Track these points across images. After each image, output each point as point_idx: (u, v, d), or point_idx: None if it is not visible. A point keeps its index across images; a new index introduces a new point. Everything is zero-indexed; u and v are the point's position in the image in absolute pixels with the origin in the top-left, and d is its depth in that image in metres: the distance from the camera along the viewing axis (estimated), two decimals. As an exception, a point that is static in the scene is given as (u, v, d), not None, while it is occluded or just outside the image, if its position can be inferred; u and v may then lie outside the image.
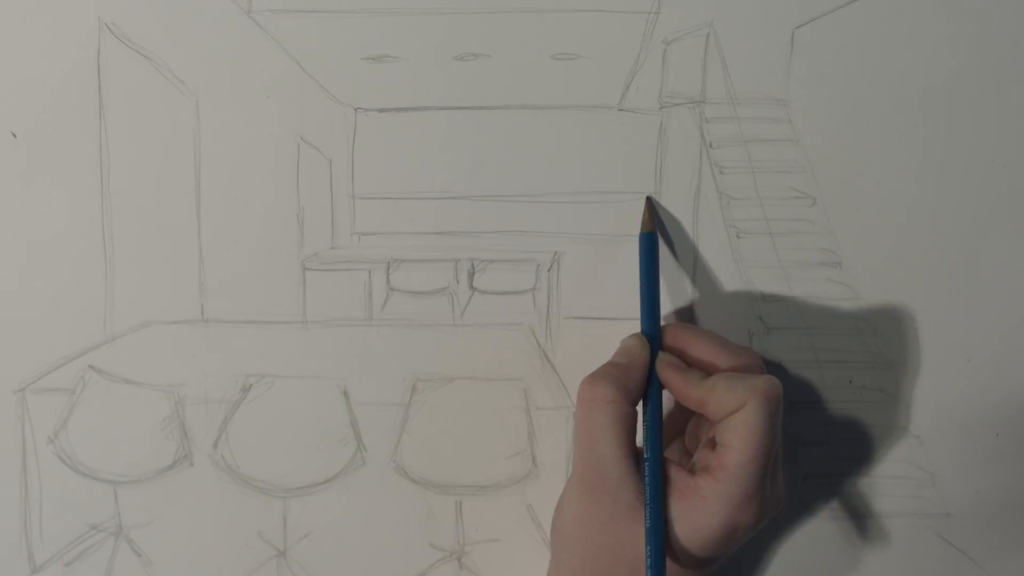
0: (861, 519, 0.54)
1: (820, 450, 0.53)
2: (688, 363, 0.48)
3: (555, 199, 0.52)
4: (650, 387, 0.48)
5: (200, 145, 0.51)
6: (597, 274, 0.52)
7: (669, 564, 0.44)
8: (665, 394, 0.48)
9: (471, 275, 0.53)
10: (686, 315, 0.53)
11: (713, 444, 0.46)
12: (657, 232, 0.51)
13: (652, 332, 0.49)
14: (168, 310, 0.52)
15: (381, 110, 0.51)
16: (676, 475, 0.45)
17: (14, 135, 0.51)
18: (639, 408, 0.47)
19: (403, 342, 0.53)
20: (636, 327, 0.50)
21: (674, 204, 0.52)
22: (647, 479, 0.45)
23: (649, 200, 0.52)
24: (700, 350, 0.48)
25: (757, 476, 0.43)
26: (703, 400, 0.45)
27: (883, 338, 0.53)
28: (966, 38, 0.51)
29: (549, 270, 0.53)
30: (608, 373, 0.47)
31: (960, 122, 0.52)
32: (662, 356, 0.48)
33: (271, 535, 0.53)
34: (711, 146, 0.52)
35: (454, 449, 0.53)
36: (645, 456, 0.46)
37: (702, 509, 0.44)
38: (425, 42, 0.51)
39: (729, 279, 0.53)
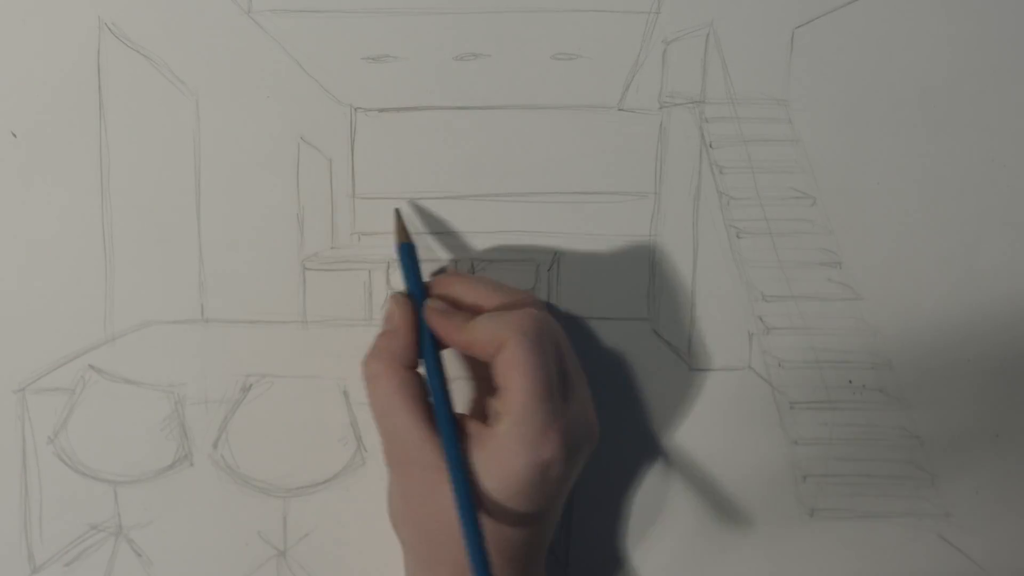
0: (861, 519, 0.54)
1: (820, 450, 0.53)
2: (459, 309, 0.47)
3: (555, 199, 0.52)
4: (423, 342, 0.46)
5: (200, 145, 0.51)
6: (597, 274, 0.52)
7: (491, 523, 0.43)
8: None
9: (471, 275, 0.53)
10: (686, 315, 0.53)
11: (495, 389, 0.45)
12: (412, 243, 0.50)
13: (415, 289, 0.48)
14: (168, 310, 0.52)
15: (381, 110, 0.51)
16: (472, 428, 0.44)
17: (14, 135, 0.51)
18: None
19: (403, 342, 0.53)
20: (636, 327, 0.51)
21: (674, 204, 0.52)
22: (442, 436, 0.44)
23: (397, 212, 0.51)
24: (469, 294, 0.47)
25: (542, 409, 0.42)
26: (469, 342, 0.44)
27: (883, 338, 0.53)
28: (966, 38, 0.51)
29: (549, 270, 0.53)
30: (375, 348, 0.46)
31: (960, 122, 0.52)
32: (428, 303, 0.47)
33: (271, 535, 0.53)
34: (711, 146, 0.52)
35: (454, 449, 0.53)
36: (436, 414, 0.45)
37: (503, 454, 0.43)
38: (425, 42, 0.51)
39: (729, 279, 0.53)
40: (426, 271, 0.52)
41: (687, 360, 0.53)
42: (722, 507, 0.54)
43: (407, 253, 0.49)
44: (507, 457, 0.43)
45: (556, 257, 0.53)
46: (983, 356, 0.53)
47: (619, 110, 0.52)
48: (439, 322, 0.46)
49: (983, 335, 0.53)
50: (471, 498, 0.42)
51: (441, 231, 0.52)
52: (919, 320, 0.53)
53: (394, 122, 0.51)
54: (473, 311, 0.46)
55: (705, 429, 0.53)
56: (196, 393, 0.53)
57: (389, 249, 0.52)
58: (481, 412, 0.49)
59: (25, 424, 0.52)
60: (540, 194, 0.52)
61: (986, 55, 0.51)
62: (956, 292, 0.52)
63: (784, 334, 0.53)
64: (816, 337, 0.53)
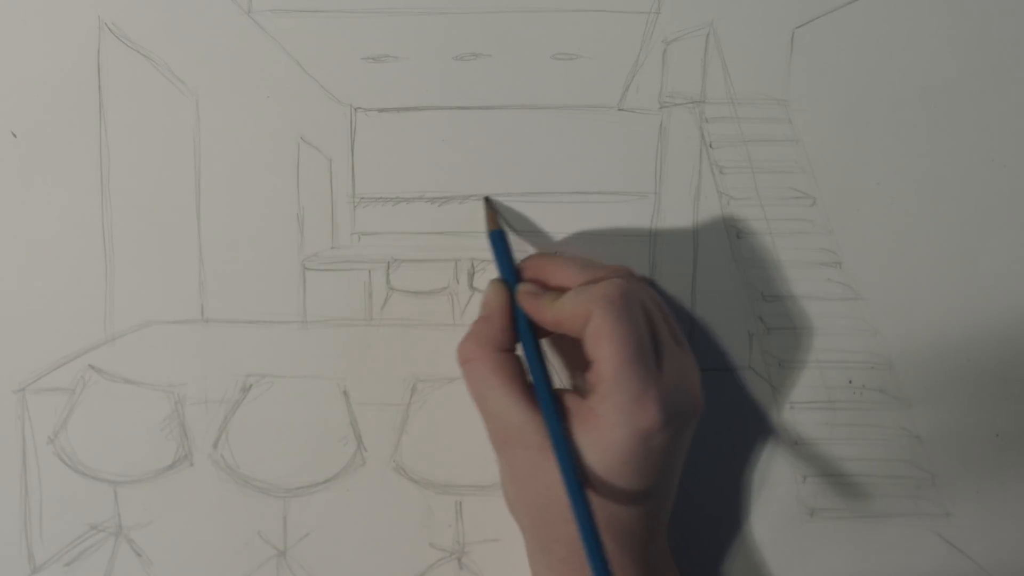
0: (861, 519, 0.54)
1: (820, 450, 0.53)
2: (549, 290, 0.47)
3: (555, 199, 0.52)
4: (519, 324, 0.47)
5: (200, 145, 0.51)
6: (597, 274, 0.52)
7: (599, 500, 0.43)
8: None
9: (471, 275, 0.53)
10: (686, 315, 0.53)
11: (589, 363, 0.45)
12: (504, 230, 0.50)
13: (507, 274, 0.48)
14: (168, 310, 0.52)
15: (381, 110, 0.51)
16: (571, 402, 0.44)
17: (14, 135, 0.51)
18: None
19: (403, 342, 0.53)
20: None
21: (674, 204, 0.52)
22: (543, 412, 0.44)
23: (487, 200, 0.51)
24: (558, 274, 0.47)
25: (636, 376, 0.42)
26: (558, 319, 0.44)
27: (883, 338, 0.53)
28: (966, 38, 0.51)
29: (549, 270, 0.53)
30: (471, 332, 0.47)
31: (960, 122, 0.52)
32: (520, 287, 0.47)
33: (271, 535, 0.53)
34: (711, 146, 0.52)
35: (454, 449, 0.53)
36: (536, 390, 0.45)
37: (602, 427, 0.42)
38: (425, 42, 0.51)
39: (729, 279, 0.53)
40: (431, 270, 0.52)
41: (687, 360, 0.53)
42: (722, 507, 0.54)
43: (499, 239, 0.50)
44: (606, 429, 0.42)
45: (556, 257, 0.52)
46: (983, 356, 0.53)
47: (619, 110, 0.52)
48: (530, 303, 0.46)
49: (983, 335, 0.53)
50: (577, 474, 0.42)
51: (441, 231, 0.52)
52: (919, 320, 0.53)
53: (394, 122, 0.51)
54: (563, 290, 0.46)
55: (705, 429, 0.53)
56: (196, 393, 0.53)
57: (389, 249, 0.52)
58: (581, 392, 0.48)
59: (25, 424, 0.52)
60: (540, 194, 0.52)
61: (986, 55, 0.51)
62: (956, 292, 0.52)
63: (784, 334, 0.53)
64: (816, 337, 0.53)
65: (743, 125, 0.51)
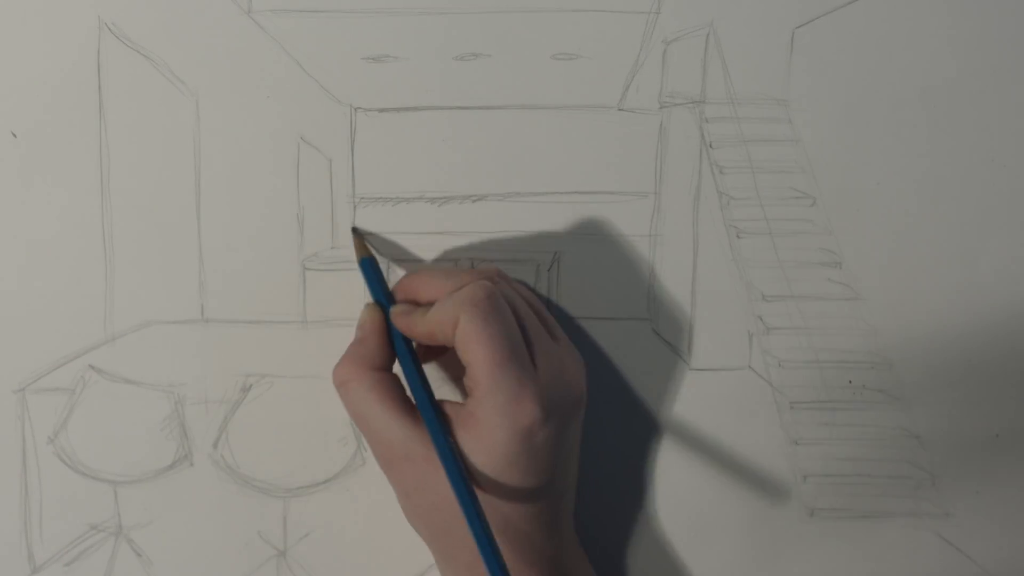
0: (861, 519, 0.54)
1: (820, 450, 0.53)
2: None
3: (555, 199, 0.52)
4: (395, 342, 0.47)
5: (200, 145, 0.51)
6: (597, 274, 0.52)
7: (491, 502, 0.43)
8: None
9: (471, 275, 0.53)
10: (686, 315, 0.53)
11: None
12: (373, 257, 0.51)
13: (380, 298, 0.49)
14: (168, 310, 0.52)
15: (381, 110, 0.51)
16: (452, 410, 0.44)
17: (14, 135, 0.51)
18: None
19: (403, 342, 0.53)
20: (636, 327, 0.51)
21: (674, 204, 0.52)
22: (425, 422, 0.44)
23: (355, 230, 0.52)
24: (426, 289, 0.47)
25: (510, 375, 0.42)
26: (429, 331, 0.44)
27: (883, 338, 0.53)
28: (966, 38, 0.51)
29: (549, 270, 0.53)
30: (345, 355, 0.47)
31: (960, 122, 0.52)
32: (393, 309, 0.47)
33: (271, 535, 0.53)
34: (711, 146, 0.52)
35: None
36: (417, 402, 0.45)
37: (483, 430, 0.42)
38: (425, 42, 0.51)
39: (729, 279, 0.53)
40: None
41: (687, 360, 0.53)
42: (722, 507, 0.54)
43: (368, 266, 0.50)
44: (487, 431, 0.42)
45: (556, 257, 0.52)
46: (983, 356, 0.53)
47: (619, 110, 0.52)
48: (402, 321, 0.46)
49: (983, 335, 0.53)
50: (466, 481, 0.42)
51: (441, 231, 0.52)
52: (919, 320, 0.53)
53: (394, 122, 0.51)
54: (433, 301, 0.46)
55: (705, 429, 0.53)
56: (196, 393, 0.53)
57: (390, 249, 0.52)
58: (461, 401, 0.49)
59: (25, 424, 0.52)
60: (540, 194, 0.52)
61: (986, 55, 0.51)
62: (956, 292, 0.52)
63: (784, 334, 0.53)
64: (816, 337, 0.53)
65: (743, 125, 0.51)
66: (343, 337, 0.51)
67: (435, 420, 0.43)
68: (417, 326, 0.45)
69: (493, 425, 0.42)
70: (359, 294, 0.52)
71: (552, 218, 0.52)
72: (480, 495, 0.43)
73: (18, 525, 0.53)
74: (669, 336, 0.53)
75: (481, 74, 0.51)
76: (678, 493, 0.54)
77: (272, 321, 0.52)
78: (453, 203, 0.52)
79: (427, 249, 0.52)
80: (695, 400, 0.53)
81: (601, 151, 0.52)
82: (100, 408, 0.52)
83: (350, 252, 0.52)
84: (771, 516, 0.54)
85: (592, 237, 0.52)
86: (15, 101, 0.50)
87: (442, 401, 0.46)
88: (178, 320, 0.52)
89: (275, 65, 0.51)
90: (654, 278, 0.53)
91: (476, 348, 0.42)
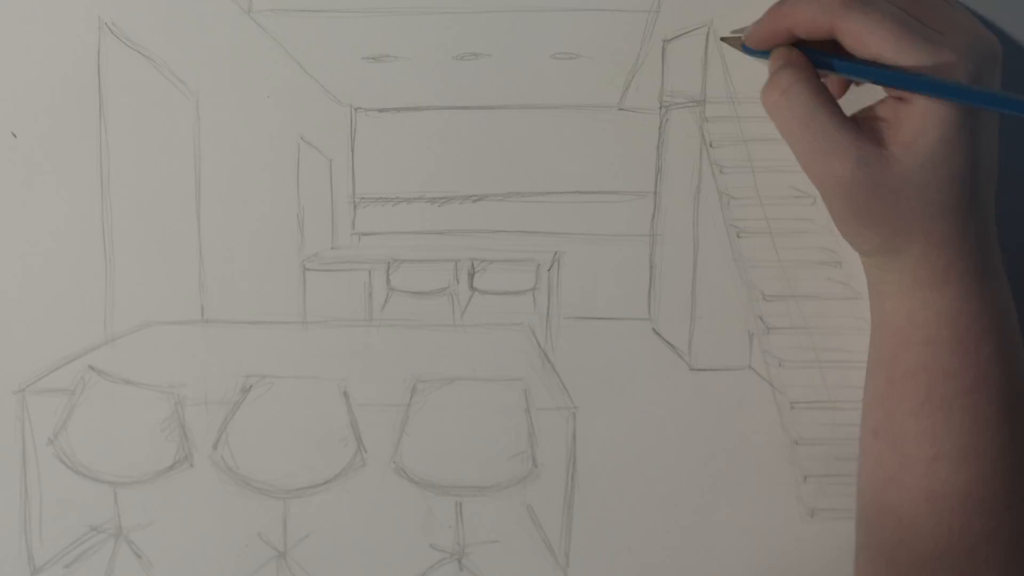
0: (862, 519, 0.54)
1: (820, 450, 0.53)
2: None
3: (555, 199, 0.52)
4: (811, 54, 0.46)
5: (200, 145, 0.51)
6: (597, 274, 0.52)
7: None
8: None
9: (471, 275, 0.53)
10: (686, 315, 0.53)
11: None
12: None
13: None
14: (168, 310, 0.52)
15: (381, 110, 0.51)
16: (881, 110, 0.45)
17: (14, 135, 0.51)
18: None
19: (403, 342, 0.53)
20: (636, 327, 0.51)
21: (674, 204, 0.52)
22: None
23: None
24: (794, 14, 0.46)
25: (915, 46, 0.42)
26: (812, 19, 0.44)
27: (883, 338, 0.53)
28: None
29: (549, 270, 0.53)
30: (777, 71, 0.45)
31: (960, 121, 0.51)
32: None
33: (271, 536, 0.53)
34: (711, 145, 0.52)
35: (454, 450, 0.53)
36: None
37: (918, 103, 0.43)
38: (425, 42, 0.51)
39: (729, 279, 0.53)
40: (431, 270, 0.52)
41: (687, 360, 0.53)
42: (722, 507, 0.54)
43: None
44: (922, 103, 0.43)
45: (556, 257, 0.53)
46: (983, 355, 0.53)
47: (619, 110, 0.52)
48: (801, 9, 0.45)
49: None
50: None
51: (441, 231, 0.52)
52: (919, 320, 0.53)
53: (394, 122, 0.52)
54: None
55: (705, 429, 0.53)
56: (196, 394, 0.53)
57: (389, 249, 0.52)
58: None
59: (25, 425, 0.52)
60: (540, 194, 0.52)
61: (985, 55, 0.51)
62: (956, 291, 0.52)
63: (784, 334, 0.53)
64: (816, 337, 0.53)
65: (743, 124, 0.51)
66: (343, 337, 0.51)
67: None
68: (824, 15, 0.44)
69: (930, 105, 0.42)
70: (359, 294, 0.52)
71: (552, 218, 0.52)
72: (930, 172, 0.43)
73: (18, 526, 0.53)
74: (669, 336, 0.53)
75: (481, 74, 0.51)
76: (678, 494, 0.54)
77: (272, 321, 0.52)
78: (453, 203, 0.52)
79: (427, 249, 0.52)
80: (695, 400, 0.53)
81: (601, 151, 0.52)
82: (100, 409, 0.52)
83: (350, 252, 0.52)
84: (771, 516, 0.54)
85: (592, 237, 0.52)
86: (15, 101, 0.50)
87: (869, 108, 0.46)
88: (178, 320, 0.52)
89: (275, 65, 0.51)
90: (654, 278, 0.53)
91: (870, 39, 0.42)
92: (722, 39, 0.50)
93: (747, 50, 0.48)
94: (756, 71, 0.51)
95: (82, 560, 0.53)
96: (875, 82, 0.44)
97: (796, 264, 0.53)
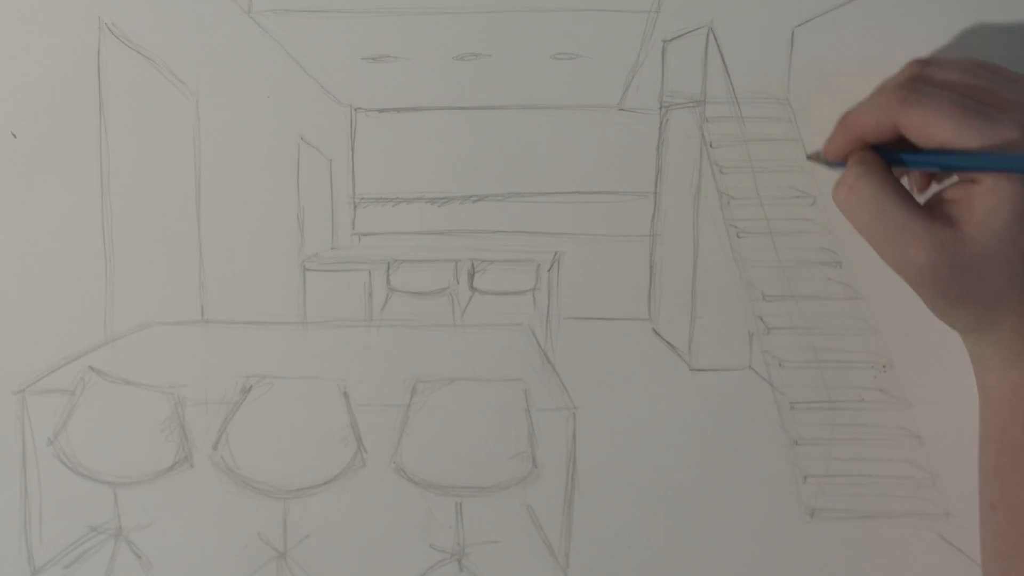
0: (861, 519, 0.54)
1: (820, 450, 0.53)
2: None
3: (555, 199, 0.52)
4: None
5: (200, 145, 0.51)
6: (597, 274, 0.52)
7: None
8: None
9: (471, 275, 0.53)
10: (686, 315, 0.53)
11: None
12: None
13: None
14: (168, 310, 0.52)
15: (381, 110, 0.51)
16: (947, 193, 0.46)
17: (14, 135, 0.51)
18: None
19: (403, 342, 0.53)
20: (636, 327, 0.51)
21: (674, 204, 0.52)
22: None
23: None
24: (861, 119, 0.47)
25: (973, 127, 0.43)
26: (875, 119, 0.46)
27: (883, 338, 0.53)
28: (965, 37, 0.51)
29: (549, 270, 0.53)
30: (849, 167, 0.46)
31: (959, 121, 0.52)
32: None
33: (271, 536, 0.53)
34: (711, 146, 0.52)
35: (454, 450, 0.53)
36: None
37: (981, 186, 0.44)
38: (425, 42, 0.51)
39: (729, 279, 0.53)
40: (431, 270, 0.52)
41: (687, 360, 0.53)
42: (722, 507, 0.54)
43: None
44: (984, 185, 0.44)
45: (556, 257, 0.53)
46: (983, 355, 0.53)
47: (619, 110, 0.52)
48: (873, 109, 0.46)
49: (983, 334, 0.53)
50: None
51: (441, 231, 0.52)
52: (919, 320, 0.53)
53: (394, 122, 0.52)
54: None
55: (705, 429, 0.53)
56: (196, 394, 0.53)
57: (389, 249, 0.52)
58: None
59: (25, 425, 0.52)
60: (540, 194, 0.52)
61: (985, 55, 0.51)
62: (956, 291, 0.52)
63: (784, 334, 0.53)
64: (816, 337, 0.53)
65: (743, 124, 0.51)
66: (343, 337, 0.51)
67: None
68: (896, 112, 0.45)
69: (1000, 182, 0.43)
70: (359, 294, 0.52)
71: (552, 218, 0.52)
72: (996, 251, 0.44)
73: (18, 527, 0.53)
74: (669, 336, 0.53)
75: (481, 74, 0.51)
76: (678, 493, 0.54)
77: (272, 322, 0.52)
78: (453, 203, 0.52)
79: (427, 249, 0.52)
80: (695, 400, 0.53)
81: (601, 151, 0.52)
82: (100, 409, 0.52)
83: (350, 252, 0.52)
84: (771, 516, 0.54)
85: (592, 237, 0.52)
86: (15, 101, 0.50)
87: (938, 193, 0.46)
88: (178, 321, 0.52)
89: (275, 65, 0.51)
90: (654, 278, 0.53)
91: (932, 129, 0.43)
92: (808, 158, 0.51)
93: (830, 164, 0.49)
94: (756, 71, 0.51)
95: (82, 560, 0.53)
96: (944, 168, 0.45)
97: (796, 264, 0.52)
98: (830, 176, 0.52)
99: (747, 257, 0.52)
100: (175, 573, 0.53)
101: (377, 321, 0.53)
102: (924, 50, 0.51)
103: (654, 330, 0.53)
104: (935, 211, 0.45)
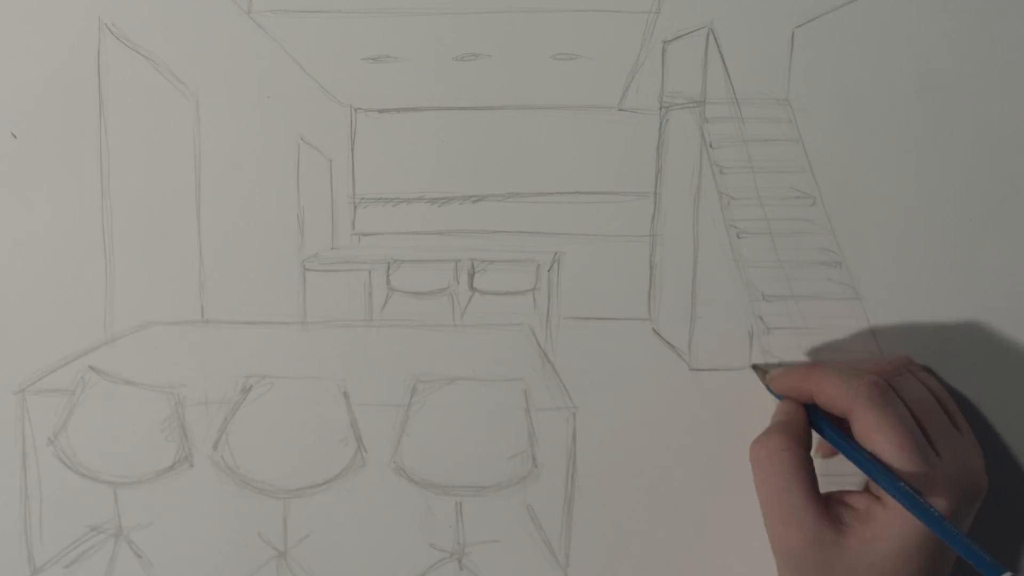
0: (861, 519, 0.54)
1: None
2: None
3: (555, 199, 0.52)
4: (823, 428, 0.49)
5: (200, 145, 0.51)
6: (597, 274, 0.52)
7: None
8: None
9: (471, 275, 0.53)
10: (686, 315, 0.53)
11: None
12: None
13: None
14: (168, 310, 0.52)
15: (381, 110, 0.51)
16: (856, 500, 0.47)
17: (14, 135, 0.51)
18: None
19: (403, 342, 0.53)
20: (636, 327, 0.51)
21: (674, 204, 0.52)
22: (895, 491, 0.45)
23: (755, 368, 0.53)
24: (823, 389, 0.48)
25: (912, 464, 0.44)
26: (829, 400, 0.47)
27: (883, 338, 0.53)
28: (965, 37, 0.51)
29: (549, 270, 0.53)
30: (772, 427, 0.48)
31: (960, 121, 0.52)
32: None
33: (271, 536, 0.53)
34: (711, 146, 0.52)
35: (454, 450, 0.53)
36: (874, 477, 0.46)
37: (891, 517, 0.45)
38: (425, 42, 0.51)
39: (729, 279, 0.53)
40: (431, 270, 0.52)
41: (687, 360, 0.53)
42: (722, 507, 0.54)
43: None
44: (895, 518, 0.45)
45: (556, 257, 0.53)
46: (983, 355, 0.53)
47: (619, 110, 0.52)
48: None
49: (983, 335, 0.53)
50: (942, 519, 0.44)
51: (441, 231, 0.52)
52: (919, 320, 0.53)
53: (394, 122, 0.52)
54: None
55: (705, 429, 0.53)
56: (196, 394, 0.53)
57: (389, 249, 0.52)
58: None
59: (25, 425, 0.52)
60: (540, 194, 0.52)
61: (985, 54, 0.51)
62: (956, 292, 0.52)
63: (784, 334, 0.53)
64: (816, 337, 0.53)
65: (743, 125, 0.51)
66: (343, 337, 0.51)
67: (909, 493, 0.44)
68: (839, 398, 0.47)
69: (901, 512, 0.44)
70: (359, 294, 0.52)
71: (552, 218, 0.52)
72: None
73: (18, 526, 0.53)
74: (669, 336, 0.53)
75: (481, 74, 0.51)
76: (678, 493, 0.54)
77: (272, 322, 0.52)
78: (453, 203, 0.52)
79: (427, 249, 0.52)
80: (695, 400, 0.53)
81: (601, 151, 0.52)
82: (100, 409, 0.52)
83: (350, 252, 0.52)
84: (771, 516, 0.54)
85: (592, 237, 0.52)
86: (15, 101, 0.50)
87: (845, 492, 0.48)
88: (178, 321, 0.52)
89: (275, 65, 0.51)
90: (654, 278, 0.53)
91: (876, 437, 0.45)
92: (752, 366, 0.53)
93: (768, 388, 0.51)
94: (756, 71, 0.51)
95: (82, 560, 0.53)
96: (863, 470, 0.46)
97: (796, 264, 0.52)
98: (830, 176, 0.52)
99: (747, 257, 0.52)
100: (175, 572, 0.54)
101: (377, 321, 0.53)
102: (924, 50, 0.51)
103: (654, 330, 0.53)
104: (831, 508, 0.47)
